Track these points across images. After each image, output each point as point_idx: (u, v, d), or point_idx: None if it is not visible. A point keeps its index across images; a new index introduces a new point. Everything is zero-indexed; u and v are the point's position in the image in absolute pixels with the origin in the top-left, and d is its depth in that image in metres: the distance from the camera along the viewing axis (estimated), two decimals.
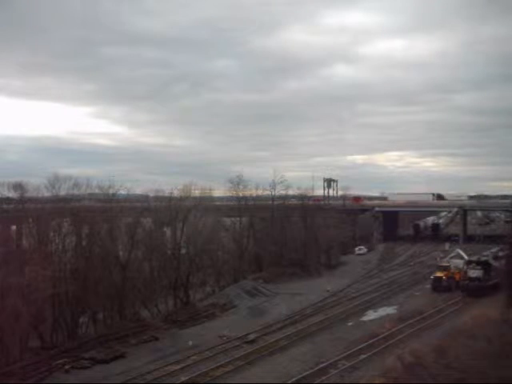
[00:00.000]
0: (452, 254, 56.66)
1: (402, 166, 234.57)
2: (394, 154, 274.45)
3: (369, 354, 29.75)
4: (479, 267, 45.89)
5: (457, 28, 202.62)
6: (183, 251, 51.56)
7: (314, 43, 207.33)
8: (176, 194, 57.98)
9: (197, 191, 63.18)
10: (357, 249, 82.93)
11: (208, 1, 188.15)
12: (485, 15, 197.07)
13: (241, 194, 70.77)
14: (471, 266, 46.60)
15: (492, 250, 54.69)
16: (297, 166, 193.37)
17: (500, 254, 49.75)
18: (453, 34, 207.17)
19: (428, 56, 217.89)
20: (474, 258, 48.44)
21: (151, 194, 64.07)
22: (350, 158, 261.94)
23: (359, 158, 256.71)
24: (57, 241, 41.66)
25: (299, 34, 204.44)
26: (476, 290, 44.27)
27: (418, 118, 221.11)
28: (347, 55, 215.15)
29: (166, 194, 58.40)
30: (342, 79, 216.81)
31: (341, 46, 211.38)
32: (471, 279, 45.51)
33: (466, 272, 47.12)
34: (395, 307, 43.09)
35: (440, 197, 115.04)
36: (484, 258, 47.83)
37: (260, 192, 72.74)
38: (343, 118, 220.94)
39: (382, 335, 33.27)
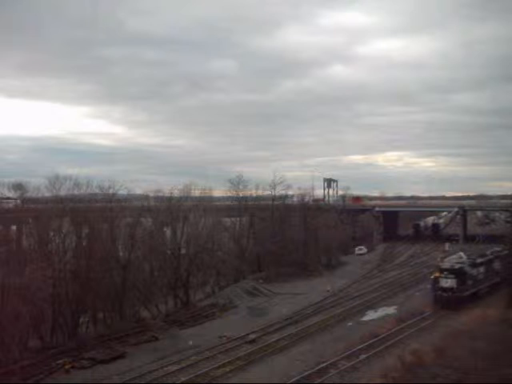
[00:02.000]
0: (453, 256, 56.51)
1: (402, 166, 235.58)
2: (393, 154, 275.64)
3: (369, 354, 29.73)
4: (452, 276, 40.88)
5: (455, 28, 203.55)
6: (183, 251, 51.55)
7: (312, 43, 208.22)
8: (176, 194, 58.09)
9: (197, 191, 63.30)
10: (357, 249, 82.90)
11: (206, 1, 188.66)
12: (483, 16, 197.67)
13: (241, 194, 70.85)
14: (443, 275, 41.35)
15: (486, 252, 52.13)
16: (296, 166, 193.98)
17: (479, 260, 45.38)
18: (451, 34, 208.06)
19: (426, 56, 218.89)
20: (447, 266, 43.00)
21: (151, 194, 64.21)
22: (349, 158, 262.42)
23: (358, 158, 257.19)
24: (57, 241, 41.65)
25: (297, 34, 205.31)
26: (449, 302, 39.68)
27: (416, 118, 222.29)
28: (345, 55, 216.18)
29: (166, 194, 58.52)
30: (340, 79, 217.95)
31: (338, 46, 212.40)
32: (443, 289, 40.63)
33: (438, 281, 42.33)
34: (395, 307, 43.03)
35: None
36: (458, 266, 42.44)
37: (260, 192, 72.90)
38: (342, 118, 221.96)
39: (383, 335, 33.24)
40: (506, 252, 48.83)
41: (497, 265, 46.84)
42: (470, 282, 41.75)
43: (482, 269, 44.21)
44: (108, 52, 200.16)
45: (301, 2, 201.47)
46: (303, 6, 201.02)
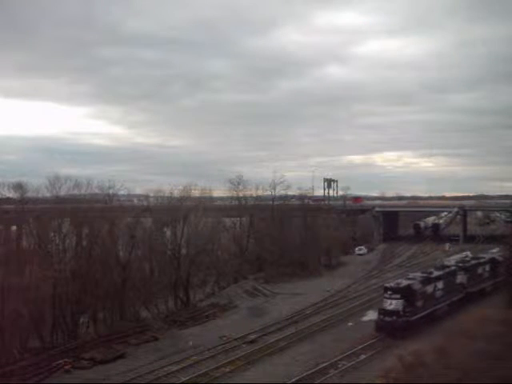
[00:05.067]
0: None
1: (401, 166, 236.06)
2: (392, 155, 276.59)
3: (369, 355, 29.73)
4: (398, 296, 33.85)
5: (452, 28, 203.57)
6: (183, 251, 51.52)
7: (308, 43, 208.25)
8: (176, 194, 58.07)
9: (197, 191, 63.32)
10: (357, 249, 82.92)
11: (202, 1, 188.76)
12: (481, 15, 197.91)
13: (241, 194, 70.85)
14: (387, 295, 34.47)
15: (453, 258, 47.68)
16: (296, 166, 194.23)
17: (436, 273, 38.75)
18: (447, 34, 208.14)
19: (422, 56, 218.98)
20: (392, 284, 36.10)
21: (151, 194, 64.23)
22: (348, 158, 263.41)
23: (357, 159, 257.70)
24: (57, 241, 41.64)
25: (293, 34, 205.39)
26: (393, 329, 33.03)
27: (414, 118, 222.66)
28: (341, 55, 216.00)
29: (166, 194, 58.51)
30: (337, 79, 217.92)
31: (334, 46, 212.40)
32: (387, 313, 33.75)
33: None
34: None
35: None
36: (406, 283, 35.40)
37: (260, 192, 72.89)
38: (339, 118, 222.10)
39: (383, 335, 33.24)
40: (473, 262, 45.99)
41: (461, 278, 41.22)
42: (420, 303, 35.04)
43: (440, 284, 37.83)
44: (106, 52, 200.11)
45: (297, 2, 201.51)
46: (299, 7, 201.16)
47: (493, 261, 48.31)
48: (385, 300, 34.55)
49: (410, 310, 33.92)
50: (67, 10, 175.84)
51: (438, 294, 37.63)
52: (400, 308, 33.54)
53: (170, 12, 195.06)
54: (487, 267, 46.64)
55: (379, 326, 33.93)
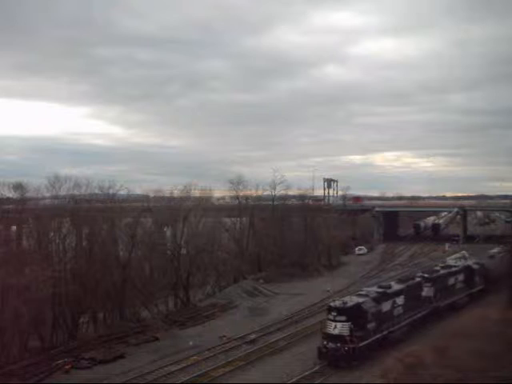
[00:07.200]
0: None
1: (400, 166, 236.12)
2: (391, 155, 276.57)
3: (369, 355, 29.68)
4: (344, 318, 28.10)
5: (450, 28, 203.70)
6: (183, 251, 51.56)
7: (306, 43, 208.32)
8: (176, 194, 58.14)
9: (197, 191, 63.40)
10: (357, 249, 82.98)
11: (199, 2, 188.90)
12: (478, 15, 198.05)
13: (241, 194, 70.90)
14: (332, 316, 28.65)
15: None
16: (296, 166, 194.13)
17: (395, 288, 33.01)
18: (446, 34, 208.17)
19: (420, 56, 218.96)
20: (337, 303, 29.45)
21: (151, 194, 64.28)
22: (347, 158, 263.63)
23: (357, 159, 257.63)
24: (57, 241, 41.68)
25: (290, 34, 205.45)
26: (338, 357, 27.76)
27: (413, 118, 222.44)
28: (339, 55, 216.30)
29: (166, 194, 58.59)
30: (335, 79, 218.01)
31: (332, 46, 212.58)
32: (331, 338, 28.15)
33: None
34: None
35: None
36: (355, 301, 29.37)
37: (260, 192, 72.93)
38: (338, 118, 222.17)
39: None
40: (443, 272, 40.21)
41: (428, 290, 36.17)
42: (372, 325, 29.30)
43: (400, 299, 32.16)
44: (104, 52, 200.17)
45: (293, 2, 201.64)
46: (295, 7, 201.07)
47: (467, 269, 43.48)
48: (328, 322, 28.75)
49: (360, 334, 28.10)
50: (66, 10, 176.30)
51: (398, 311, 31.96)
52: (346, 332, 27.83)
53: (166, 12, 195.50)
54: (460, 277, 41.45)
55: (321, 352, 28.49)
